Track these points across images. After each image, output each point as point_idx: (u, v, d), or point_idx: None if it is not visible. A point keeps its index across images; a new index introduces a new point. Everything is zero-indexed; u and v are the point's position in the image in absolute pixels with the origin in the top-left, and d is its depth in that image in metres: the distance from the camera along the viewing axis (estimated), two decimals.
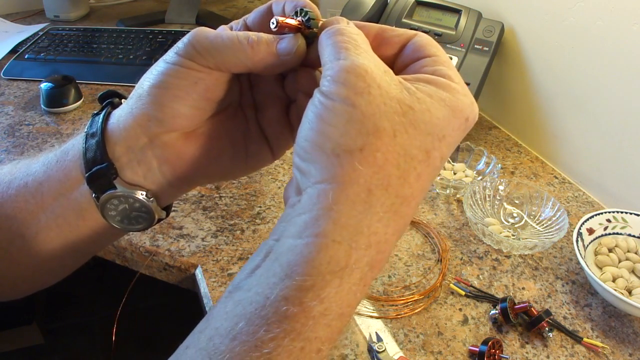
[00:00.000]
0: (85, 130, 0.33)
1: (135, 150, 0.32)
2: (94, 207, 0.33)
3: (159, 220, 0.35)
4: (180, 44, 0.31)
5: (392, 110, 0.24)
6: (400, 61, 0.30)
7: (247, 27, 0.34)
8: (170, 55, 0.31)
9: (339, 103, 0.24)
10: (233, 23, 0.34)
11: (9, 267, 0.36)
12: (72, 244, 0.35)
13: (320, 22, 0.30)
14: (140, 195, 0.33)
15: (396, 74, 0.27)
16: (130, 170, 0.32)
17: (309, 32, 0.30)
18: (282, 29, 0.30)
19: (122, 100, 0.35)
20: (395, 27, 0.31)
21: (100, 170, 0.32)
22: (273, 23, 0.29)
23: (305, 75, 0.33)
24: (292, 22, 0.30)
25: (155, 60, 0.32)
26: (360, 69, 0.25)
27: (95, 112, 0.34)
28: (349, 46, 0.27)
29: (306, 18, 0.30)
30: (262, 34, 0.31)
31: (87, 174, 0.32)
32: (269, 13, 0.33)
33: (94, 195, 0.32)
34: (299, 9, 0.30)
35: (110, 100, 0.35)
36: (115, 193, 0.32)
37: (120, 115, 0.32)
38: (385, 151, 0.24)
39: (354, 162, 0.24)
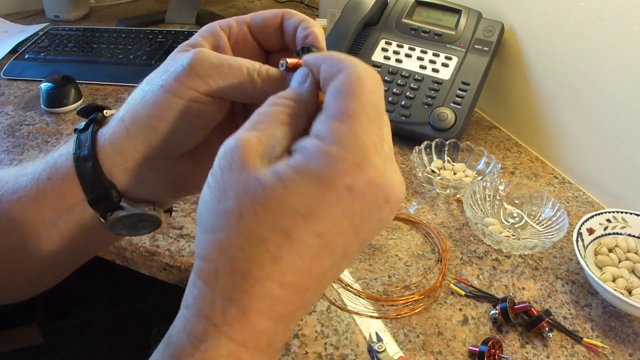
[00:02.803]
0: (74, 150, 0.32)
1: (134, 171, 0.32)
2: (98, 220, 0.33)
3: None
4: (179, 67, 0.29)
5: (245, 190, 0.23)
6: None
7: (249, 30, 0.33)
8: (169, 81, 0.29)
9: (209, 182, 0.24)
10: (232, 20, 0.33)
11: (12, 275, 0.36)
12: (77, 249, 0.36)
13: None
14: (146, 209, 0.34)
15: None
16: (131, 190, 0.33)
17: None
18: (290, 70, 0.30)
19: (105, 112, 0.34)
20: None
21: (102, 194, 0.32)
22: (282, 65, 0.29)
23: None
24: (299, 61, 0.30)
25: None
26: (235, 146, 0.24)
27: (79, 128, 0.33)
28: (256, 119, 0.25)
29: None
30: (270, 68, 0.30)
31: (89, 198, 0.32)
32: (276, 20, 0.32)
33: (98, 214, 0.33)
34: (305, 47, 0.30)
35: (94, 117, 0.33)
36: (121, 213, 0.33)
37: (113, 138, 0.31)
38: (231, 235, 0.23)
39: (209, 243, 0.24)
